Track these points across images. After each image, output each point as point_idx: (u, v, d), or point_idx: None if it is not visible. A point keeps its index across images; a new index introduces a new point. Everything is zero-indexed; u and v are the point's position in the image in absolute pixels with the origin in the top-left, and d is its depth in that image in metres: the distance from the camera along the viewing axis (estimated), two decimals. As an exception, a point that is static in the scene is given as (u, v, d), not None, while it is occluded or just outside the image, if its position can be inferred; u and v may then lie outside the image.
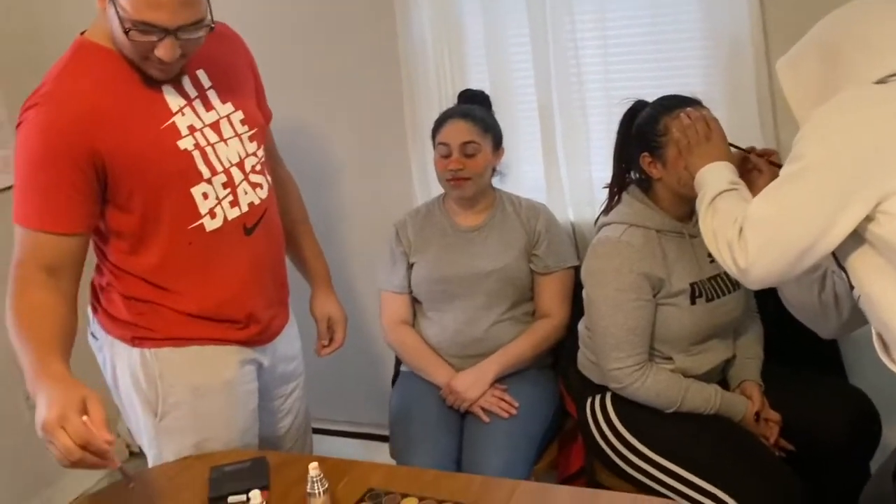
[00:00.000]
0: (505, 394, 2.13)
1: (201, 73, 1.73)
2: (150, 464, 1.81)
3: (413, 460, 2.02)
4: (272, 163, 1.95)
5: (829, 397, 1.95)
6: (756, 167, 1.80)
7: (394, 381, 2.43)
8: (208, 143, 1.70)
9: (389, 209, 2.50)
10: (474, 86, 2.38)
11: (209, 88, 1.74)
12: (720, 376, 2.05)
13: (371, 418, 2.90)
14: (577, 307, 2.23)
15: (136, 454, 3.30)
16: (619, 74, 2.29)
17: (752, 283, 1.50)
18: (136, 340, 1.75)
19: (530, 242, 2.23)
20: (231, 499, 1.55)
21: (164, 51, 1.55)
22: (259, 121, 1.84)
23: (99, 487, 3.09)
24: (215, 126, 1.72)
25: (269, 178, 1.84)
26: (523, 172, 2.44)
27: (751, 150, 1.83)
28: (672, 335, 1.92)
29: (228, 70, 1.80)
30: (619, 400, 1.97)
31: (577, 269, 2.28)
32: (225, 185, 1.72)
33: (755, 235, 1.47)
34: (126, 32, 1.53)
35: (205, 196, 1.69)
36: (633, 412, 1.94)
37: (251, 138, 1.79)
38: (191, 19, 1.54)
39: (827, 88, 1.46)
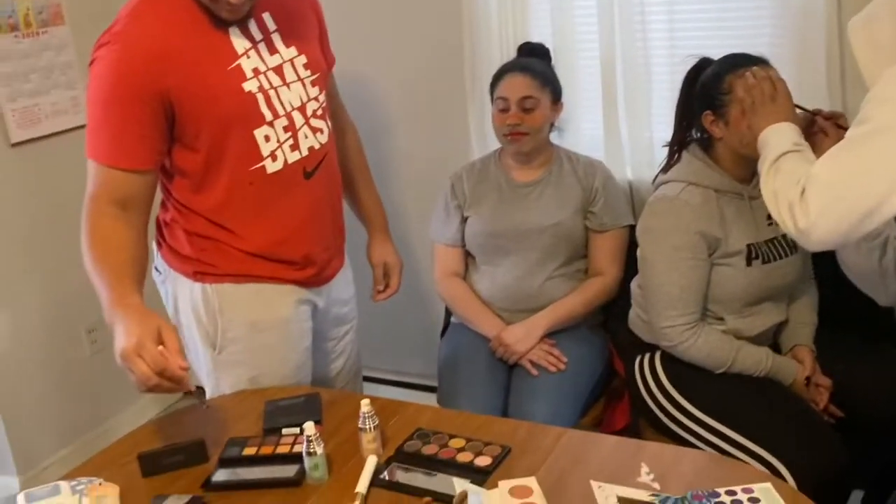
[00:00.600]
0: (554, 348, 2.15)
1: (267, 17, 1.75)
2: (208, 396, 1.87)
3: (459, 408, 2.06)
4: (334, 109, 1.97)
5: (883, 366, 1.93)
6: (822, 130, 1.77)
7: (443, 333, 2.46)
8: (271, 87, 1.72)
9: (446, 163, 2.51)
10: (536, 39, 2.37)
11: (274, 32, 1.76)
12: (771, 340, 2.03)
13: (418, 369, 2.95)
14: (630, 266, 2.23)
15: (189, 393, 3.39)
16: (684, 32, 2.25)
17: (811, 244, 1.49)
18: (197, 275, 1.80)
19: (587, 199, 2.23)
20: (285, 430, 1.59)
21: None
22: (322, 66, 1.86)
23: (158, 417, 3.21)
24: (278, 70, 1.74)
25: (329, 123, 1.87)
26: (582, 129, 2.43)
27: (817, 113, 1.80)
28: (726, 296, 1.91)
29: (294, 14, 1.81)
30: (668, 359, 1.97)
31: (632, 228, 2.28)
32: (286, 129, 1.74)
33: (817, 196, 1.45)
34: None
35: (266, 139, 1.72)
36: (682, 371, 1.95)
37: (313, 83, 1.81)
38: None
39: None
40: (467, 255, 2.34)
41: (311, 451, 1.45)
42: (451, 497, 1.35)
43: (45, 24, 2.74)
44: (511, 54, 2.37)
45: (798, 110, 1.76)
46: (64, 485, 1.42)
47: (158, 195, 1.81)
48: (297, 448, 1.52)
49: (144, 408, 3.25)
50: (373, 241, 2.12)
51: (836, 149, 1.48)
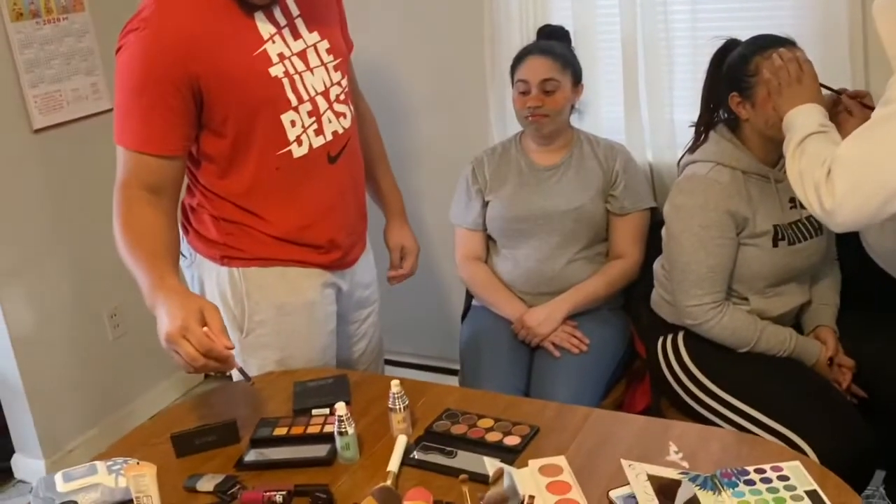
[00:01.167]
0: (576, 330, 2.16)
1: (290, 2, 1.76)
2: (234, 380, 1.89)
3: (483, 390, 2.07)
4: (353, 95, 1.98)
5: (905, 346, 1.94)
6: (847, 109, 1.77)
7: (463, 317, 2.47)
8: (296, 72, 1.73)
9: (466, 146, 2.51)
10: (556, 21, 2.36)
11: (297, 17, 1.76)
12: (794, 321, 2.04)
13: (438, 352, 2.97)
14: (650, 248, 2.24)
15: (210, 376, 3.45)
16: (706, 14, 2.25)
17: (837, 225, 1.49)
18: (224, 259, 1.82)
19: (607, 182, 2.23)
20: (315, 411, 1.61)
21: None
22: (343, 51, 1.87)
23: (177, 403, 3.24)
24: (302, 55, 1.75)
25: (352, 108, 1.88)
26: (602, 112, 2.43)
27: (842, 92, 1.80)
28: (751, 275, 1.92)
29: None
30: (691, 339, 1.98)
31: (652, 211, 2.29)
32: (310, 114, 1.75)
33: (843, 177, 1.45)
34: None
35: (292, 123, 1.73)
36: (705, 351, 1.96)
37: (336, 67, 1.82)
38: None
39: None
40: (488, 239, 2.35)
41: (343, 430, 1.47)
42: (486, 476, 1.37)
43: (66, 11, 2.76)
44: (531, 37, 2.37)
45: (823, 90, 1.76)
46: (100, 464, 1.44)
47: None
48: (327, 428, 1.54)
49: (167, 390, 3.29)
50: (390, 224, 2.14)
51: (862, 130, 1.48)
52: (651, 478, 1.31)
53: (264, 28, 1.70)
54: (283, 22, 1.73)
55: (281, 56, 1.71)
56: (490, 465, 1.40)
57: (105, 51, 2.85)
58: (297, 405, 1.67)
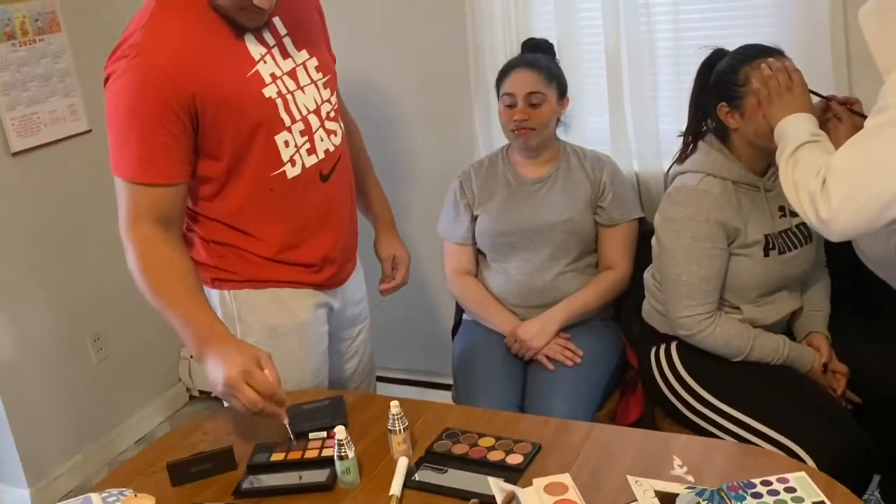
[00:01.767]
0: (569, 342, 2.15)
1: (277, 21, 1.74)
2: (226, 403, 1.85)
3: (477, 405, 2.05)
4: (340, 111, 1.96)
5: (898, 350, 1.95)
6: (836, 115, 1.78)
7: (454, 331, 2.46)
8: (288, 91, 1.71)
9: (452, 160, 2.51)
10: (539, 34, 2.36)
11: (285, 36, 1.74)
12: (785, 328, 2.05)
13: (430, 367, 2.95)
14: (640, 259, 2.24)
15: (196, 398, 3.41)
16: (689, 24, 2.26)
17: (833, 234, 1.50)
18: (216, 283, 1.79)
19: (595, 194, 2.23)
20: (312, 434, 1.59)
21: None
22: (331, 67, 1.85)
23: (161, 428, 3.20)
24: (292, 74, 1.73)
25: (342, 125, 1.86)
26: (588, 123, 2.43)
27: (831, 98, 1.81)
28: (743, 286, 1.92)
29: (301, 17, 1.80)
30: (684, 348, 1.98)
31: (641, 221, 2.29)
32: (303, 133, 1.74)
33: (839, 186, 1.46)
34: None
35: (286, 144, 1.71)
36: (699, 361, 1.95)
37: (325, 84, 1.80)
38: None
39: None
40: (478, 253, 2.34)
41: (343, 454, 1.45)
42: (493, 497, 1.35)
43: (42, 32, 2.72)
44: (515, 51, 2.37)
45: (813, 96, 1.77)
46: (96, 497, 1.40)
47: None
48: (325, 452, 1.52)
49: (153, 413, 3.25)
50: (380, 235, 2.12)
51: (856, 139, 1.49)
52: (658, 494, 1.31)
53: (254, 49, 1.68)
54: (271, 42, 1.72)
55: (273, 76, 1.69)
56: (493, 485, 1.38)
57: (82, 72, 2.81)
58: (294, 429, 1.63)
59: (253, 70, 1.66)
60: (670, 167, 2.05)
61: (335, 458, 1.46)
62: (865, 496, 2.12)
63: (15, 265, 2.72)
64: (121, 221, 1.64)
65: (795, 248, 1.94)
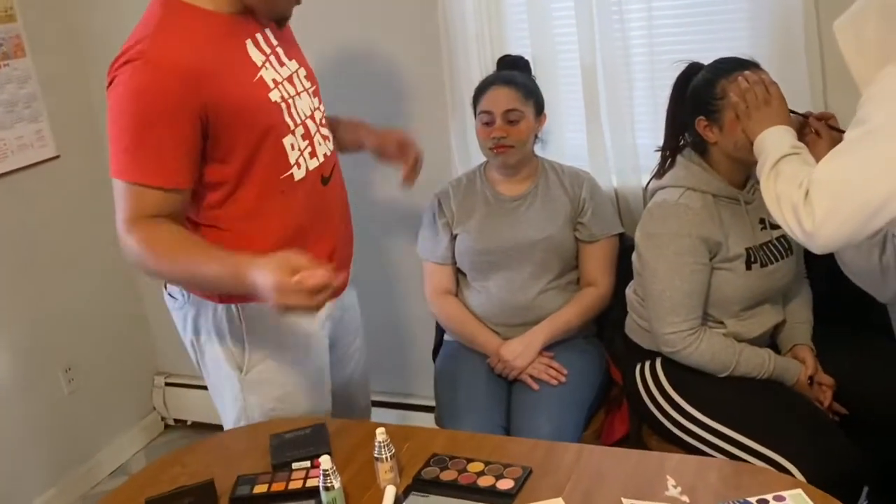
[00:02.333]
0: (553, 361, 2.13)
1: (268, 32, 1.76)
2: (233, 420, 1.83)
3: (462, 428, 2.02)
4: None
5: (882, 360, 1.94)
6: (815, 131, 1.78)
7: (435, 352, 2.43)
8: (290, 96, 1.73)
9: (428, 179, 2.45)
10: (514, 51, 2.35)
11: (276, 46, 1.77)
12: (769, 341, 2.04)
13: (408, 389, 2.91)
14: (621, 274, 2.23)
15: (171, 427, 3.34)
16: (664, 38, 2.25)
17: (818, 247, 1.49)
18: (224, 297, 1.76)
19: (575, 210, 2.22)
20: (295, 465, 1.55)
21: None
22: (315, 78, 1.88)
23: (137, 458, 3.13)
24: (290, 80, 1.75)
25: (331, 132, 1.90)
26: (566, 139, 2.42)
27: (809, 115, 1.81)
28: (726, 300, 1.91)
29: (285, 31, 1.83)
30: (669, 364, 1.97)
31: (621, 237, 2.28)
32: (304, 137, 1.75)
33: (822, 198, 1.45)
34: None
35: (292, 146, 1.73)
36: (685, 376, 1.94)
37: (314, 93, 1.84)
38: None
39: (890, 50, 1.44)
40: (458, 272, 2.32)
41: (329, 485, 1.41)
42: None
43: (7, 57, 2.66)
44: (490, 68, 2.35)
45: (791, 114, 1.77)
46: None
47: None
48: (310, 482, 1.49)
49: (128, 443, 3.18)
50: (366, 127, 2.06)
51: (837, 150, 1.49)
52: (654, 516, 1.28)
53: (256, 55, 1.70)
54: (268, 50, 1.74)
55: (275, 81, 1.71)
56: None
57: (49, 96, 2.76)
58: (276, 459, 1.60)
59: (258, 76, 1.68)
60: (649, 182, 2.05)
61: (321, 488, 1.42)
62: (854, 508, 2.11)
63: (-18, 296, 2.65)
64: (120, 224, 1.61)
65: (777, 260, 1.94)
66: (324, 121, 1.85)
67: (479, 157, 2.34)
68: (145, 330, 3.23)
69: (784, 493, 1.30)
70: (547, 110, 2.25)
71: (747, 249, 1.90)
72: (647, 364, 2.02)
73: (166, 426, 3.35)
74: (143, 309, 3.20)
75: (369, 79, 2.65)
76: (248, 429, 1.74)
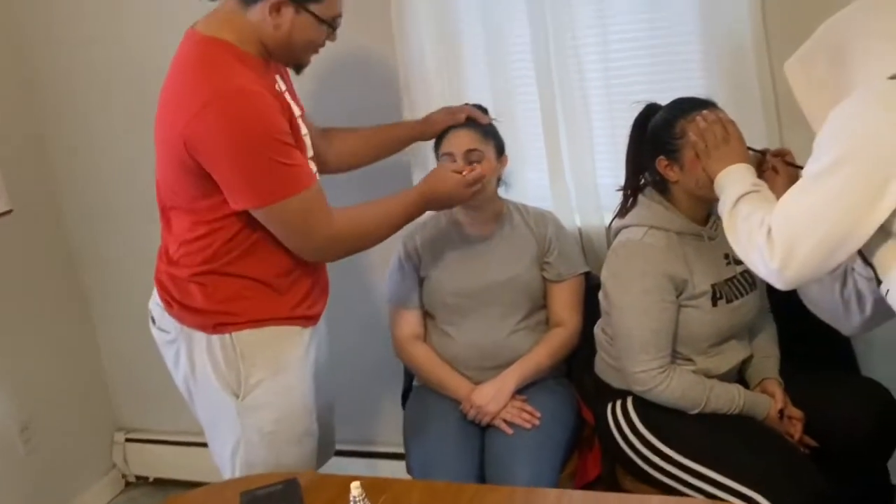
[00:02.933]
0: (526, 404, 2.12)
1: (283, 76, 1.90)
2: (231, 448, 1.86)
3: (435, 477, 1.99)
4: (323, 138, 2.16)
5: (849, 391, 1.97)
6: (773, 167, 1.81)
7: (404, 398, 2.40)
8: (306, 132, 1.88)
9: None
10: (474, 96, 2.36)
11: (285, 92, 1.87)
12: (737, 377, 2.06)
13: (377, 437, 2.86)
14: (589, 313, 2.23)
15: (132, 484, 3.24)
16: (620, 80, 2.29)
17: (785, 282, 1.50)
18: (217, 328, 1.82)
19: (541, 250, 2.23)
20: (269, 524, 1.51)
21: (334, 34, 1.83)
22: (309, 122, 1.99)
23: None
24: (302, 118, 1.89)
25: None
26: (528, 180, 2.43)
27: (766, 151, 1.85)
28: (693, 337, 1.93)
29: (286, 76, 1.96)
30: (641, 403, 1.97)
31: (587, 276, 2.29)
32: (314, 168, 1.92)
33: (784, 235, 1.47)
34: (332, 28, 1.80)
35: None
36: (656, 415, 1.94)
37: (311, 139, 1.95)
38: None
39: (839, 89, 1.48)
40: (426, 316, 2.30)
41: (305, 545, 1.38)
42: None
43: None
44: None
45: (749, 151, 1.80)
46: None
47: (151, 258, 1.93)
48: (284, 542, 1.44)
49: (88, 503, 3.07)
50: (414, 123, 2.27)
51: (796, 188, 1.51)
52: (637, 562, 1.27)
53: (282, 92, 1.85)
54: (284, 88, 1.87)
55: (301, 118, 1.87)
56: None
57: (2, 147, 2.70)
58: (248, 519, 1.56)
59: (295, 111, 1.85)
60: (612, 221, 2.06)
61: (296, 549, 1.38)
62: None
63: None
64: (322, 229, 1.79)
65: (741, 295, 1.96)
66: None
67: (441, 203, 2.33)
68: (103, 384, 3.15)
69: (765, 533, 1.30)
70: (509, 152, 2.27)
71: (713, 286, 1.92)
72: (619, 403, 2.02)
73: (127, 483, 3.25)
74: (100, 362, 3.12)
75: (327, 123, 2.64)
76: (218, 486, 1.71)
